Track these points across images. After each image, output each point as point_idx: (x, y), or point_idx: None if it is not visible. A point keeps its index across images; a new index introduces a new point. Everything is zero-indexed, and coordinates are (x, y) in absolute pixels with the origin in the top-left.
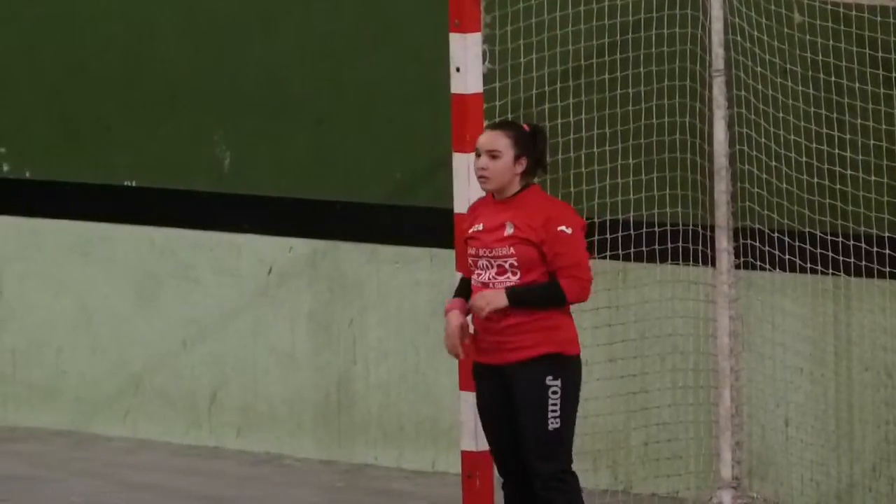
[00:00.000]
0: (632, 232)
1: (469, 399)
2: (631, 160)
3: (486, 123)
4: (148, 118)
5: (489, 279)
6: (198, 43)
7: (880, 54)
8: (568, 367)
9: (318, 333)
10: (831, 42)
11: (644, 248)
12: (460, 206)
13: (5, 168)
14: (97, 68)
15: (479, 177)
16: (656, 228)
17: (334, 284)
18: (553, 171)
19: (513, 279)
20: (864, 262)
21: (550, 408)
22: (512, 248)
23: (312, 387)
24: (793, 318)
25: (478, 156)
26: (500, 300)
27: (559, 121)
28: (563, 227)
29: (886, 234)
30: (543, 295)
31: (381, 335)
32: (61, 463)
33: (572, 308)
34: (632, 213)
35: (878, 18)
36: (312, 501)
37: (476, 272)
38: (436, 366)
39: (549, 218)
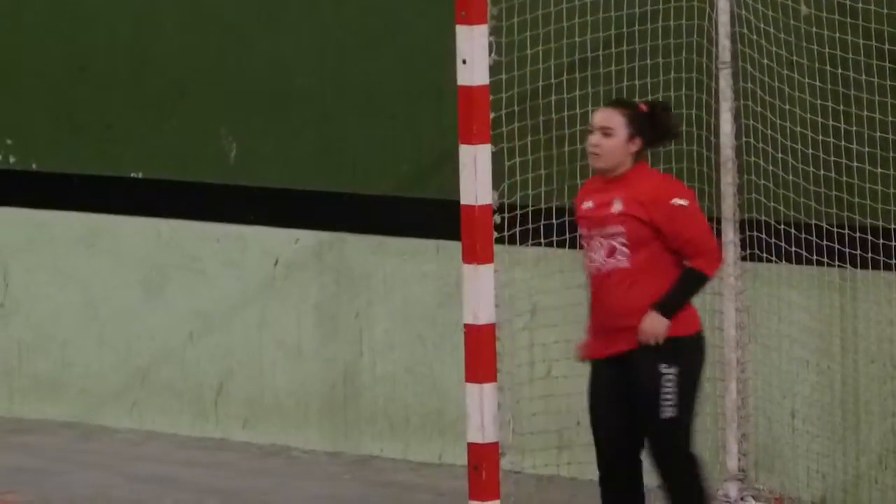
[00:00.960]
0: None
1: (475, 391)
2: None
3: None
4: (154, 111)
5: (601, 264)
6: (203, 38)
7: (887, 46)
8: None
9: (324, 325)
10: (838, 34)
11: None
12: (467, 197)
13: (12, 160)
14: (104, 62)
15: (591, 153)
16: None
17: (340, 276)
18: (559, 162)
19: (623, 261)
20: (870, 254)
21: (665, 395)
22: (622, 226)
23: (319, 379)
24: (799, 310)
25: (590, 132)
26: (661, 325)
27: (566, 113)
28: (676, 200)
29: (893, 227)
30: (687, 290)
31: (387, 327)
32: (68, 455)
33: None
34: None
35: (885, 10)
36: (318, 493)
37: (589, 256)
38: (442, 358)
39: (659, 193)
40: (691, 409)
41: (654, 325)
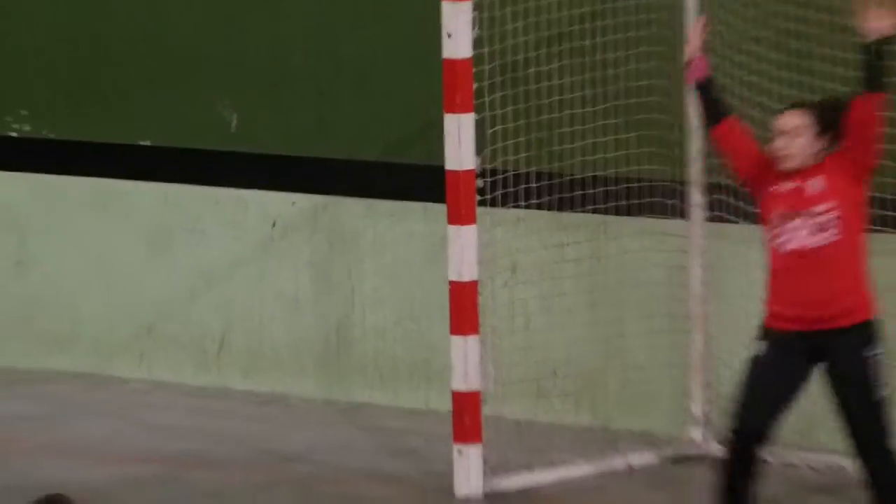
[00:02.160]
0: (612, 187)
1: (459, 343)
2: (611, 120)
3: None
4: (161, 84)
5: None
6: (207, 16)
7: (846, 22)
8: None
9: (318, 282)
10: (800, 10)
11: (622, 203)
12: (451, 163)
13: (27, 128)
14: (118, 38)
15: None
16: (634, 184)
17: (334, 236)
18: (538, 129)
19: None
20: None
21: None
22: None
23: (313, 332)
24: (759, 268)
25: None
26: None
27: (544, 84)
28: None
29: None
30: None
31: (377, 283)
32: (80, 403)
33: None
34: (611, 170)
35: None
36: (314, 438)
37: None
38: (429, 312)
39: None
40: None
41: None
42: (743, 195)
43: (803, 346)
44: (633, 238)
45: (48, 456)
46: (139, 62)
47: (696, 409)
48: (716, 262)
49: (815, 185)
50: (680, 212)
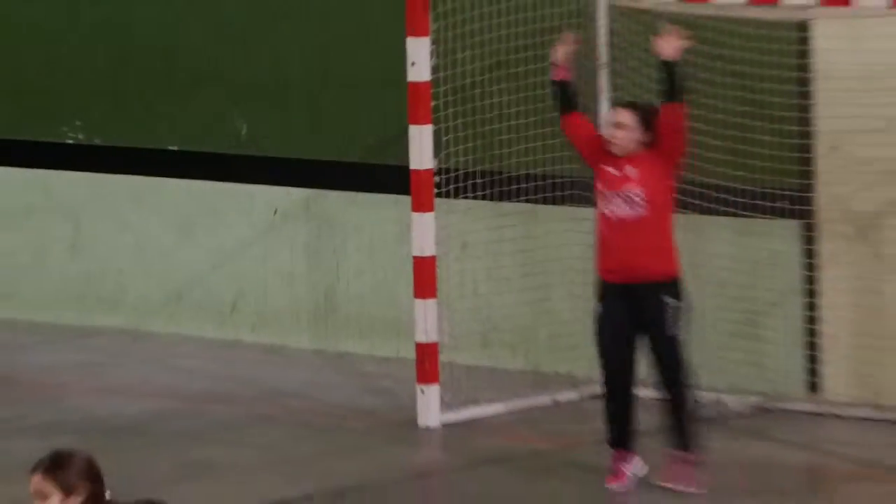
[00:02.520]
0: (540, 182)
1: (421, 305)
2: (539, 129)
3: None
4: (185, 99)
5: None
6: (220, 41)
7: (722, 52)
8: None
9: (310, 258)
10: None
11: (549, 194)
12: (414, 164)
13: (80, 136)
14: (151, 62)
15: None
16: (558, 180)
17: (323, 222)
18: (482, 137)
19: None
20: (709, 204)
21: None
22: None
23: (306, 296)
24: None
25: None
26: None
27: (487, 101)
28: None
29: (725, 183)
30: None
31: (357, 259)
32: (124, 353)
33: None
34: (540, 169)
35: (730, 27)
36: (307, 380)
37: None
38: (398, 280)
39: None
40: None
41: (671, 46)
42: None
43: (623, 295)
44: (558, 222)
45: (98, 394)
46: (168, 82)
47: None
48: None
49: (631, 170)
50: (594, 201)
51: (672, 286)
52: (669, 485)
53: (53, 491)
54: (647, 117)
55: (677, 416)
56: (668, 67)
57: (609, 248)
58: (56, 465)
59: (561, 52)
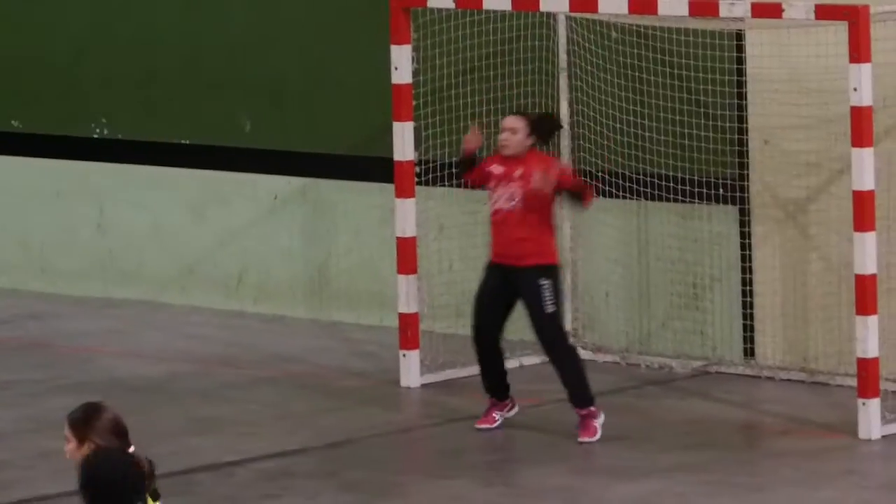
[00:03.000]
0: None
1: (403, 279)
2: None
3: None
4: (199, 98)
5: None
6: (230, 50)
7: (667, 58)
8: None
9: (306, 238)
10: (636, 50)
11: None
12: (398, 155)
13: (106, 132)
14: (167, 68)
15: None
16: None
17: (317, 206)
18: (457, 132)
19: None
20: (657, 191)
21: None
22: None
23: (303, 272)
24: (611, 228)
25: (501, 131)
26: (549, 184)
27: (462, 101)
28: (561, 166)
29: (671, 173)
30: (581, 192)
31: (347, 239)
32: (142, 321)
33: None
34: None
35: (673, 36)
36: (304, 346)
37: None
38: (383, 258)
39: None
40: (561, 308)
41: (541, 181)
42: (598, 177)
43: (502, 274)
44: None
45: (121, 358)
46: (183, 85)
47: (568, 325)
48: (579, 224)
49: (517, 170)
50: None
51: (546, 270)
52: (583, 440)
53: (72, 438)
54: (535, 124)
55: (567, 381)
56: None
57: (495, 236)
58: (80, 417)
59: (470, 141)
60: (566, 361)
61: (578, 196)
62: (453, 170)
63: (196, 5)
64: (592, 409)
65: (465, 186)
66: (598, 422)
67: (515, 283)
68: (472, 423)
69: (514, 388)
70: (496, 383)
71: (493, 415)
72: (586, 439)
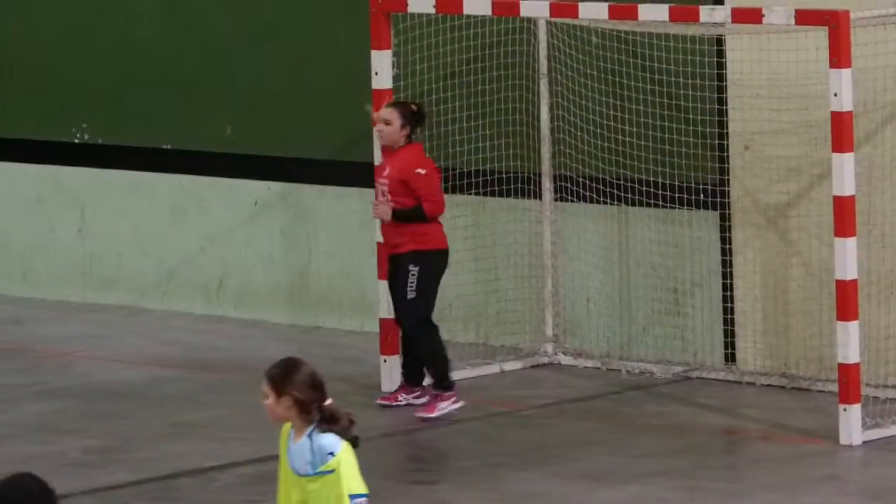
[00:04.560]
0: (488, 177)
1: (384, 285)
2: (488, 131)
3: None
4: (178, 104)
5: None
6: (209, 54)
7: (648, 64)
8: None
9: (286, 243)
10: (616, 55)
11: (496, 188)
12: (377, 161)
13: (86, 136)
14: (147, 70)
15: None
16: (504, 175)
17: (297, 211)
18: (437, 137)
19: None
20: (638, 197)
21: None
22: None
23: (283, 277)
24: (591, 233)
25: (374, 122)
26: (387, 214)
27: (442, 106)
28: (418, 170)
29: (651, 178)
30: (410, 214)
31: (327, 244)
32: (121, 327)
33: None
34: (488, 165)
35: (654, 41)
36: (284, 350)
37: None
38: (363, 263)
39: (410, 165)
40: (427, 295)
41: (382, 213)
42: (578, 182)
43: (392, 264)
44: (504, 212)
45: (101, 363)
46: (163, 90)
47: (549, 331)
48: (561, 230)
49: (388, 166)
50: (536, 194)
51: (417, 257)
52: (420, 414)
53: (271, 393)
54: (408, 114)
55: (424, 363)
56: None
57: (383, 228)
58: (278, 373)
59: (380, 210)
60: (424, 346)
61: (411, 217)
62: None
63: (176, 9)
64: (441, 389)
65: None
66: (445, 405)
67: (396, 267)
68: (453, 427)
69: (495, 393)
70: (408, 367)
71: (399, 396)
72: (422, 414)
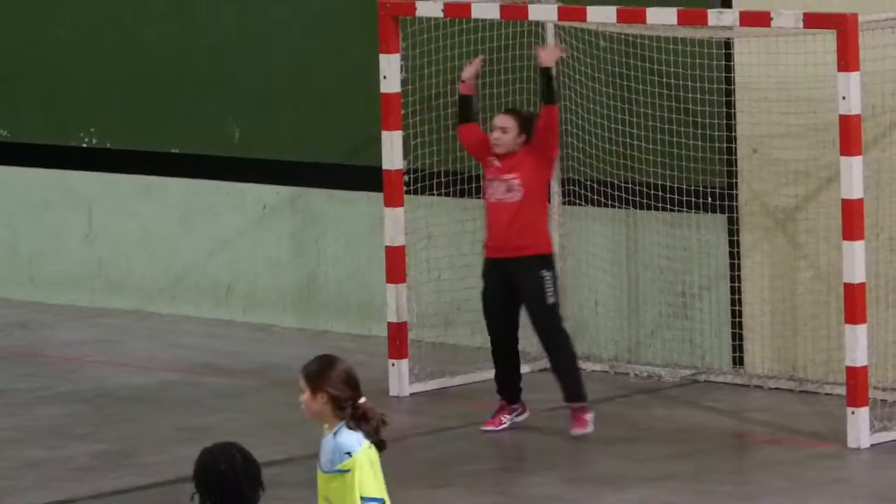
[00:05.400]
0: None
1: (392, 289)
2: None
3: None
4: (187, 108)
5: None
6: (218, 59)
7: (656, 67)
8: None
9: (295, 247)
10: (624, 59)
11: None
12: (386, 164)
13: (94, 141)
14: (156, 76)
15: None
16: None
17: (306, 215)
18: (446, 141)
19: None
20: (646, 200)
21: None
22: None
23: (292, 281)
24: (600, 236)
25: (492, 130)
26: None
27: (450, 110)
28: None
29: (659, 182)
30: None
31: (335, 248)
32: (130, 331)
33: None
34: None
35: (662, 45)
36: (292, 355)
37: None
38: (372, 267)
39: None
40: (559, 299)
41: (551, 54)
42: (587, 186)
43: (500, 271)
44: None
45: (110, 367)
46: (171, 94)
47: None
48: (569, 233)
49: (511, 162)
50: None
51: (545, 260)
52: (576, 432)
53: (306, 389)
54: (525, 122)
55: (564, 375)
56: (545, 73)
57: (493, 229)
58: (315, 369)
59: (467, 72)
60: (565, 356)
61: (548, 81)
62: (443, 179)
63: (184, 14)
64: (581, 402)
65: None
66: (590, 416)
67: (514, 275)
68: (462, 431)
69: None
70: (508, 385)
71: (501, 417)
72: (579, 431)
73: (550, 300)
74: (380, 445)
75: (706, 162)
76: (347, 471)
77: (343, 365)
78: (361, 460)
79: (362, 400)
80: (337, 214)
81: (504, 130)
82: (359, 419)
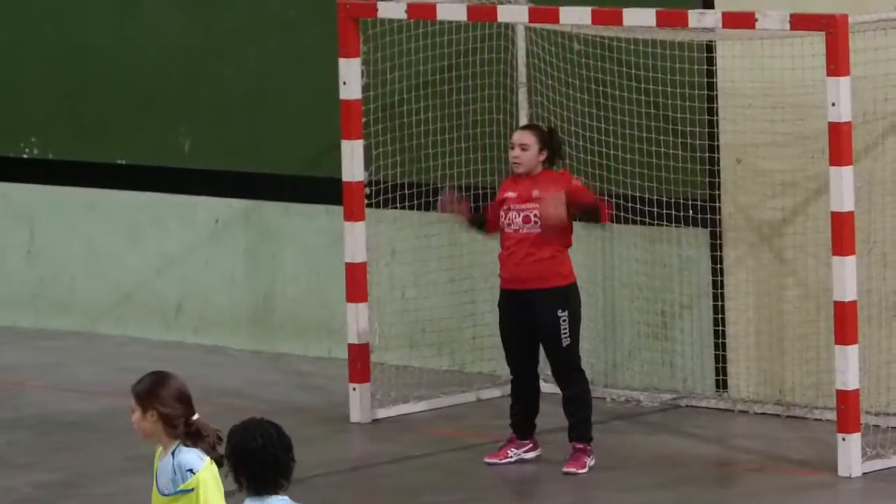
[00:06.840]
0: (465, 193)
1: (352, 308)
2: (463, 143)
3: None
4: (134, 117)
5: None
6: (167, 66)
7: (633, 72)
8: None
9: (250, 264)
10: (600, 63)
11: (472, 204)
12: (346, 176)
13: (35, 151)
14: (101, 82)
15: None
16: (479, 191)
17: (261, 230)
18: (410, 151)
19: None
20: (623, 213)
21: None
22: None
23: (246, 300)
24: (573, 252)
25: (511, 148)
26: (561, 212)
27: (415, 118)
28: (575, 181)
29: (638, 194)
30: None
31: (293, 264)
32: (74, 354)
33: None
34: (462, 181)
35: (634, 47)
36: (246, 379)
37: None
38: (330, 285)
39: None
40: (578, 337)
41: (556, 211)
42: None
43: (518, 303)
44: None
45: (51, 392)
46: (118, 101)
47: None
48: None
49: (532, 191)
50: None
51: (563, 295)
52: (568, 470)
53: (136, 408)
54: (545, 137)
55: (573, 415)
56: (587, 215)
57: (509, 259)
58: (144, 388)
59: (450, 206)
60: (580, 397)
61: (593, 214)
62: (406, 191)
63: (132, 17)
64: (586, 443)
65: (434, 208)
66: (589, 460)
67: (534, 312)
68: (429, 460)
69: (472, 423)
70: (522, 419)
71: (508, 451)
72: (572, 470)
73: (565, 343)
74: (219, 462)
75: (687, 173)
76: (191, 490)
77: (175, 382)
78: (205, 477)
79: (195, 416)
80: (294, 229)
81: (524, 148)
82: (193, 437)
